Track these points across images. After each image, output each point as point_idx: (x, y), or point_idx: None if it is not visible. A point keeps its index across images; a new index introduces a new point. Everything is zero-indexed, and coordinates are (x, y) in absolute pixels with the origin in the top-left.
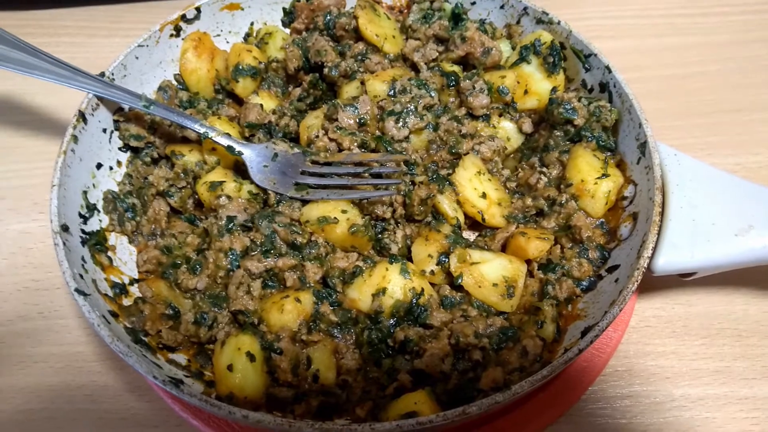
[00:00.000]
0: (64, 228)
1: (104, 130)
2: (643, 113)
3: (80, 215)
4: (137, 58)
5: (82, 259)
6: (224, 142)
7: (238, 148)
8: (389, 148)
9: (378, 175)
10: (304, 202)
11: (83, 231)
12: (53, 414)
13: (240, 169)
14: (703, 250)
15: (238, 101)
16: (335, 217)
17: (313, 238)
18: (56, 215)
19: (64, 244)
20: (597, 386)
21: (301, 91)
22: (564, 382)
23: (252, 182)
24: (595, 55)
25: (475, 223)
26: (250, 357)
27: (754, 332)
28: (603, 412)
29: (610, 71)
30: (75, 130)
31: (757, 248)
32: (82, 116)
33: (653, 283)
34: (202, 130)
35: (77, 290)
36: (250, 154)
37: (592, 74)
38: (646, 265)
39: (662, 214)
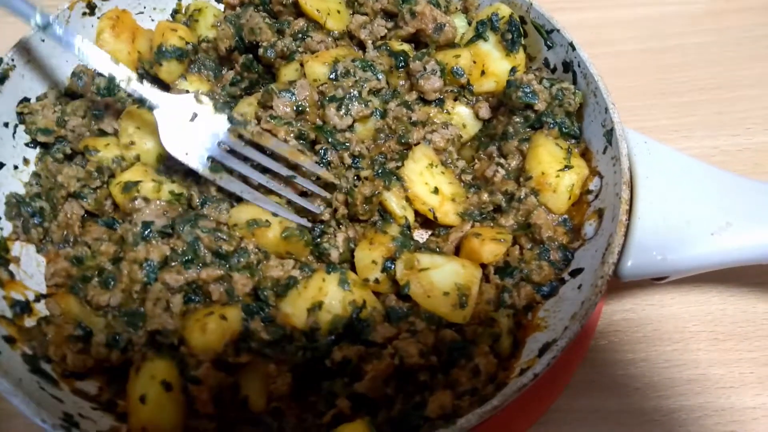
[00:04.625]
0: None
1: (6, 124)
2: (610, 96)
3: None
4: (43, 41)
5: None
6: (136, 90)
7: (150, 99)
8: (331, 139)
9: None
10: (233, 203)
11: None
12: None
13: (165, 164)
14: (677, 252)
15: (165, 87)
16: (267, 220)
17: (242, 245)
18: None
19: None
20: (561, 401)
21: (234, 74)
22: (521, 401)
23: (173, 180)
24: (558, 30)
25: (427, 221)
26: (166, 386)
27: (731, 335)
28: (566, 428)
29: (574, 48)
30: None
31: (735, 248)
32: None
33: (622, 283)
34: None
35: None
36: (164, 109)
37: (554, 52)
38: (611, 272)
39: (630, 211)
